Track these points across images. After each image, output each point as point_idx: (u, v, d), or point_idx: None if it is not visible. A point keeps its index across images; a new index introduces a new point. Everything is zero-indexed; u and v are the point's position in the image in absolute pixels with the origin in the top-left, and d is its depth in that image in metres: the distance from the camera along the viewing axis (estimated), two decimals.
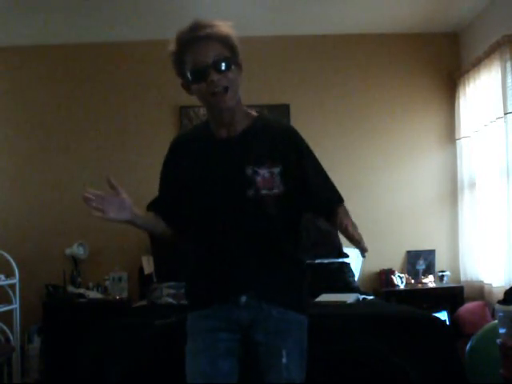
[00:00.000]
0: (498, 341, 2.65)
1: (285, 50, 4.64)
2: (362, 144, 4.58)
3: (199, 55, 1.63)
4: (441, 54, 4.65)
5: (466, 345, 3.15)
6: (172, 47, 1.69)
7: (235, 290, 1.69)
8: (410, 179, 4.58)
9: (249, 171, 1.67)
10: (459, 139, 4.45)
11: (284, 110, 4.54)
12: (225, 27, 1.69)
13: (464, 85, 4.38)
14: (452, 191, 4.53)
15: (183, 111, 4.56)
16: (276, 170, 1.67)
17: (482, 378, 2.88)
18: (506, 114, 3.69)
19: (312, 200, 1.75)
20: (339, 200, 1.79)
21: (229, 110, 1.68)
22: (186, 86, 1.74)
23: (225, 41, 1.67)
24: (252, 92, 4.55)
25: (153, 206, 1.85)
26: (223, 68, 1.64)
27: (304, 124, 4.55)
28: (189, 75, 1.67)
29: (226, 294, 1.69)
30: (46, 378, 3.91)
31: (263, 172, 1.67)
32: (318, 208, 1.79)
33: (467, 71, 4.31)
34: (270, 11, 4.18)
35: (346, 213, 1.72)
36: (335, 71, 4.64)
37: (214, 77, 1.62)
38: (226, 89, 1.64)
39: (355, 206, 4.47)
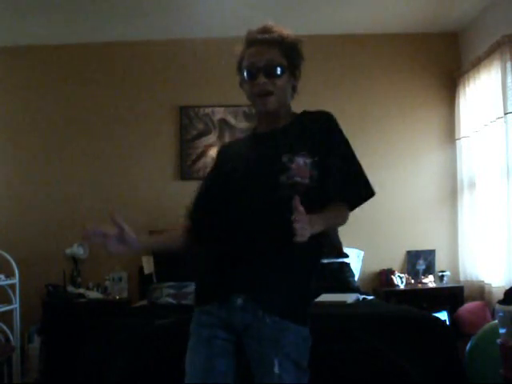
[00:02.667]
0: (498, 341, 2.66)
1: None
2: (362, 144, 4.54)
3: (255, 57, 1.73)
4: (441, 54, 4.65)
5: (466, 345, 3.15)
6: (239, 47, 1.81)
7: (233, 290, 1.65)
8: (410, 179, 4.58)
9: (285, 158, 1.68)
10: (459, 139, 4.45)
11: None
12: (291, 37, 1.77)
13: (464, 85, 4.38)
14: (452, 191, 4.53)
15: (183, 111, 4.56)
16: (308, 161, 1.69)
17: (482, 378, 2.88)
18: (506, 113, 3.69)
19: (325, 190, 1.73)
20: (353, 197, 1.77)
21: (270, 113, 1.77)
22: (242, 84, 1.82)
23: (284, 48, 1.74)
24: None
25: (190, 217, 1.91)
26: (273, 73, 1.72)
27: None
28: (242, 73, 1.77)
29: (224, 293, 1.66)
30: (45, 378, 3.91)
31: (299, 160, 1.68)
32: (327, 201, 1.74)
33: (467, 71, 4.31)
34: (269, 11, 4.18)
35: (329, 213, 1.70)
36: (335, 71, 4.64)
37: (261, 80, 1.71)
38: (270, 93, 1.72)
39: None
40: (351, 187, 1.79)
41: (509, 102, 3.67)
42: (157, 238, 1.86)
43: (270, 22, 1.79)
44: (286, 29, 1.78)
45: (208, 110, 4.55)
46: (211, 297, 1.69)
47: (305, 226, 1.52)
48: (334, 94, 4.61)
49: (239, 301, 1.63)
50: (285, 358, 1.60)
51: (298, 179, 1.66)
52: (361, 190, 1.80)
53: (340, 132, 1.83)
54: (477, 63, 4.13)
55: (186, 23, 4.32)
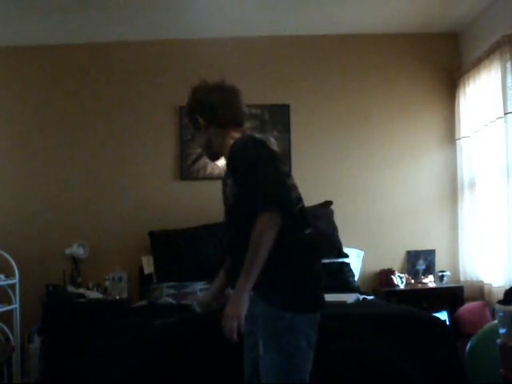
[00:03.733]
0: (498, 341, 2.65)
1: (285, 50, 4.64)
2: (362, 144, 4.58)
3: None
4: (441, 54, 4.65)
5: (466, 345, 3.15)
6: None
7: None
8: (410, 179, 4.58)
9: (225, 182, 2.06)
10: (459, 139, 4.45)
11: (284, 110, 4.55)
12: (190, 96, 2.31)
13: (464, 85, 4.38)
14: (452, 191, 4.53)
15: (183, 111, 4.55)
16: (229, 182, 1.99)
17: (482, 378, 2.89)
18: (506, 113, 3.69)
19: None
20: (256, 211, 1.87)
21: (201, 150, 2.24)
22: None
23: (189, 109, 2.26)
24: (252, 92, 4.55)
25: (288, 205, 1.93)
26: (191, 136, 2.20)
27: (304, 124, 4.56)
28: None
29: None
30: (46, 378, 3.90)
31: (228, 182, 2.01)
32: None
33: (467, 71, 4.31)
34: (270, 11, 4.18)
35: (246, 265, 1.83)
36: (335, 71, 4.64)
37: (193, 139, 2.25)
38: (192, 139, 2.26)
39: (355, 206, 4.53)
40: (254, 197, 1.89)
41: (509, 102, 3.67)
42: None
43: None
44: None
45: None
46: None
47: (227, 328, 1.78)
48: (334, 94, 4.61)
49: (251, 293, 1.91)
50: (268, 342, 1.84)
51: (229, 195, 2.03)
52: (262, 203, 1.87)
53: (236, 158, 1.97)
54: (477, 63, 4.13)
55: (185, 23, 4.31)
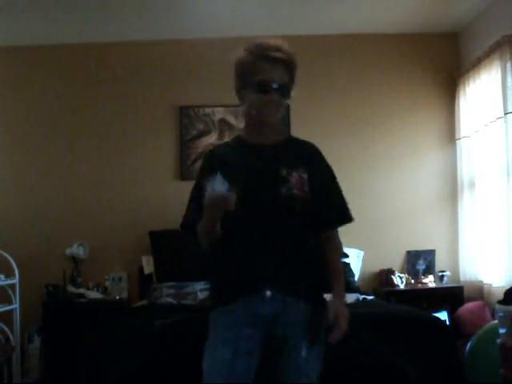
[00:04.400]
0: (498, 341, 2.66)
1: None
2: (362, 144, 4.58)
3: (270, 73, 1.83)
4: (441, 54, 4.64)
5: (466, 345, 3.15)
6: (245, 54, 1.91)
7: (260, 285, 1.75)
8: (410, 179, 4.58)
9: (283, 172, 1.82)
10: (459, 139, 4.45)
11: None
12: (294, 58, 1.91)
13: (464, 85, 4.38)
14: (452, 191, 4.53)
15: (183, 111, 4.55)
16: (305, 176, 1.85)
17: (482, 378, 2.89)
18: (506, 113, 3.69)
19: (323, 210, 1.89)
20: (339, 219, 1.95)
21: (269, 124, 1.89)
22: (241, 90, 1.91)
23: (292, 72, 1.90)
24: None
25: (187, 227, 1.93)
26: (285, 93, 1.87)
27: (304, 124, 4.55)
28: (254, 84, 1.83)
29: (251, 289, 1.76)
30: (46, 378, 3.91)
31: (295, 174, 1.83)
32: (323, 221, 1.91)
33: (467, 71, 4.31)
34: (270, 11, 4.18)
35: (342, 295, 1.88)
36: (335, 71, 4.64)
37: (275, 97, 1.83)
38: (277, 108, 1.87)
39: (355, 206, 4.50)
40: (342, 215, 1.99)
41: (509, 102, 3.67)
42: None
43: (279, 41, 1.89)
44: (287, 47, 1.89)
45: (208, 110, 4.55)
46: (237, 294, 1.76)
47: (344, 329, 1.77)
48: (334, 94, 4.61)
49: (268, 293, 1.75)
50: (310, 341, 1.75)
51: (296, 191, 1.81)
52: (348, 217, 2.01)
53: (329, 164, 2.00)
54: (477, 63, 4.13)
55: (186, 23, 4.31)
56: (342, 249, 1.96)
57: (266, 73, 1.82)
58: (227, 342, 1.72)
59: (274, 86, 1.82)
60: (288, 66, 1.87)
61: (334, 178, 1.97)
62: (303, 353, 1.74)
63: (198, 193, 1.89)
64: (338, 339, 1.74)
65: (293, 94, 1.96)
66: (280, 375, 1.76)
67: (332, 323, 1.75)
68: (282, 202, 1.79)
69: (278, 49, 1.85)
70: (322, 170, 1.94)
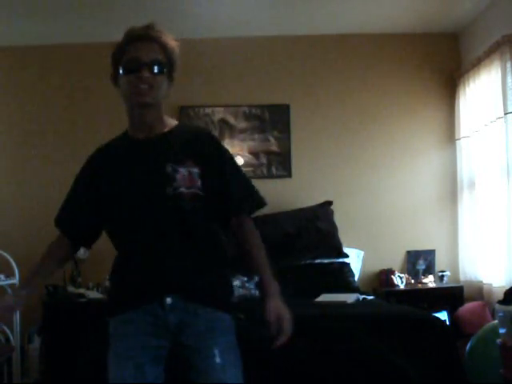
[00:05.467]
0: (498, 341, 2.66)
1: (285, 50, 4.64)
2: (362, 144, 4.58)
3: (139, 51, 1.72)
4: (441, 54, 4.64)
5: (466, 345, 3.15)
6: (120, 41, 1.78)
7: (159, 292, 1.64)
8: (410, 179, 4.58)
9: (169, 169, 1.68)
10: (459, 139, 4.45)
11: (284, 109, 4.55)
12: (172, 40, 1.82)
13: (464, 85, 4.38)
14: (452, 191, 4.53)
15: (183, 111, 4.55)
16: (195, 170, 1.69)
17: (482, 378, 2.89)
18: (506, 114, 3.69)
19: (224, 199, 1.75)
20: (252, 202, 1.80)
21: (146, 106, 1.73)
22: (115, 76, 1.80)
23: (166, 50, 1.78)
24: (252, 92, 4.55)
25: (61, 224, 1.89)
26: (156, 70, 1.72)
27: (304, 124, 4.56)
28: (122, 66, 1.73)
29: (150, 296, 1.65)
30: (46, 377, 3.90)
31: (183, 170, 1.68)
32: (228, 208, 1.77)
33: (467, 71, 4.31)
34: (270, 11, 4.18)
35: (263, 261, 1.73)
36: (335, 71, 4.64)
37: (145, 74, 1.69)
38: (151, 86, 1.71)
39: (355, 206, 4.53)
40: (249, 198, 1.81)
41: (509, 102, 3.67)
42: (43, 274, 1.84)
43: (151, 22, 1.79)
44: (165, 31, 1.82)
45: (208, 110, 4.55)
46: (135, 303, 1.66)
47: (289, 332, 1.63)
48: (333, 94, 4.61)
49: (168, 301, 1.63)
50: (224, 347, 1.64)
51: (183, 189, 1.66)
52: (258, 200, 1.83)
53: (227, 150, 1.85)
54: (477, 63, 4.13)
55: (186, 23, 4.31)
56: (259, 238, 1.76)
57: (133, 51, 1.72)
58: (130, 356, 1.62)
59: (142, 62, 1.69)
60: (161, 44, 1.76)
61: (233, 164, 1.82)
62: (218, 360, 1.60)
63: (72, 191, 1.96)
64: (282, 345, 1.61)
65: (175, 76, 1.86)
66: None
67: (274, 327, 1.61)
68: (168, 203, 1.65)
69: (147, 27, 1.76)
70: (219, 159, 1.76)
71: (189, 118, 4.53)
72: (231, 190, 1.76)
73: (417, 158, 4.60)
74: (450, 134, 4.57)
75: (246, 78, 4.49)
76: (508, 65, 3.68)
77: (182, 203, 1.66)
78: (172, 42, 1.81)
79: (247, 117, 4.53)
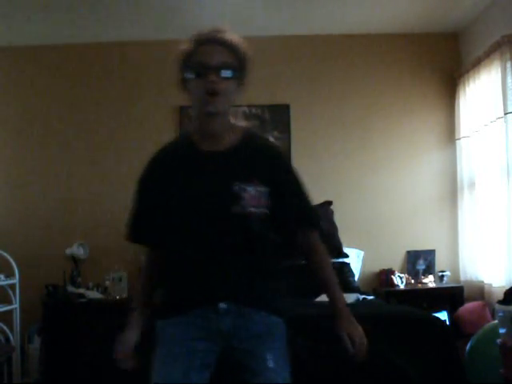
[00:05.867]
0: (498, 341, 2.65)
1: (285, 50, 4.64)
2: (362, 144, 4.58)
3: (208, 55, 1.65)
4: (441, 54, 4.64)
5: (466, 345, 3.15)
6: (185, 45, 1.72)
7: (215, 298, 1.64)
8: (410, 179, 4.58)
9: (236, 187, 1.63)
10: (459, 139, 4.45)
11: (284, 110, 4.55)
12: (243, 44, 1.72)
13: (464, 85, 4.38)
14: (452, 191, 4.53)
15: (183, 111, 4.55)
16: (263, 190, 1.66)
17: (482, 378, 2.88)
18: (506, 114, 3.69)
19: (283, 218, 1.74)
20: (310, 224, 1.78)
21: (215, 115, 1.66)
22: (183, 81, 1.74)
23: (237, 54, 1.69)
24: (252, 92, 4.53)
25: (141, 238, 1.82)
26: (225, 75, 1.64)
27: (304, 124, 4.56)
28: (190, 70, 1.67)
29: (205, 301, 1.65)
30: (45, 377, 3.90)
31: (250, 190, 1.64)
32: (285, 227, 1.77)
33: (467, 71, 4.31)
34: (269, 11, 4.18)
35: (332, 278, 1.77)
36: (335, 71, 4.64)
37: (214, 78, 1.62)
38: (219, 92, 1.63)
39: (355, 206, 4.52)
40: (309, 217, 1.80)
41: (509, 102, 3.66)
42: (149, 301, 1.85)
43: (222, 26, 1.72)
44: (236, 35, 1.72)
45: None
46: (190, 306, 1.65)
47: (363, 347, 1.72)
48: (333, 94, 4.61)
49: (222, 305, 1.63)
50: (276, 352, 1.65)
51: (253, 209, 1.64)
52: (313, 221, 1.81)
53: (294, 169, 1.80)
54: (477, 63, 4.13)
55: (185, 23, 4.31)
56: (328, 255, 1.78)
57: (202, 55, 1.64)
58: (178, 358, 1.61)
59: (209, 66, 1.61)
60: (232, 48, 1.67)
61: (299, 184, 1.78)
62: (270, 364, 1.61)
63: (139, 201, 1.83)
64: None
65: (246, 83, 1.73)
66: None
67: (349, 344, 1.69)
68: (235, 221, 1.63)
69: (218, 31, 1.68)
70: (286, 179, 1.74)
71: (189, 118, 4.53)
72: (296, 209, 1.75)
73: (417, 158, 4.60)
74: (450, 134, 4.57)
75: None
76: (508, 65, 3.67)
77: (250, 223, 1.65)
78: (243, 45, 1.71)
79: (247, 117, 4.53)
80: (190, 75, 1.67)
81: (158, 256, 1.78)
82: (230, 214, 1.62)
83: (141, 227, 1.79)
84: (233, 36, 1.69)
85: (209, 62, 1.63)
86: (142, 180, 1.81)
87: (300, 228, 1.76)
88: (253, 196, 1.64)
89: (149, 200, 1.78)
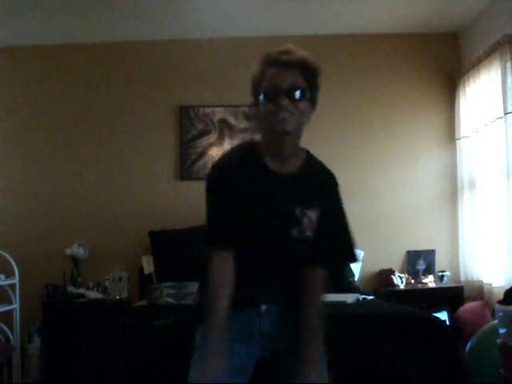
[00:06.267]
0: (498, 341, 2.65)
1: None
2: (362, 144, 4.58)
3: (277, 78, 1.65)
4: (441, 54, 4.65)
5: (466, 345, 3.15)
6: (257, 66, 1.72)
7: (257, 301, 1.72)
8: (409, 179, 4.58)
9: (297, 211, 1.70)
10: (459, 139, 4.45)
11: None
12: (313, 61, 1.74)
13: (464, 85, 4.38)
14: (452, 191, 4.53)
15: (183, 111, 4.55)
16: (317, 214, 1.73)
17: (482, 378, 2.88)
18: (506, 113, 3.69)
19: (314, 249, 1.76)
20: (322, 262, 1.77)
21: (288, 135, 1.66)
22: (255, 104, 1.73)
23: (307, 72, 1.70)
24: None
25: (227, 243, 1.72)
26: (295, 97, 1.65)
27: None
28: (261, 93, 1.67)
29: (247, 304, 1.72)
30: (46, 377, 3.91)
31: (310, 214, 1.71)
32: (314, 258, 1.77)
33: (467, 71, 4.31)
34: (269, 11, 4.18)
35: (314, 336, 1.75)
36: (335, 71, 4.64)
37: (285, 102, 1.63)
38: (291, 114, 1.64)
39: (355, 206, 4.51)
40: (336, 254, 1.83)
41: (509, 102, 3.67)
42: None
43: (291, 45, 1.75)
44: (306, 53, 1.75)
45: (208, 110, 4.55)
46: (233, 309, 1.66)
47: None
48: (333, 94, 4.61)
49: (263, 307, 1.72)
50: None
51: (309, 234, 1.71)
52: (345, 256, 1.88)
53: (340, 199, 1.84)
54: (477, 63, 4.13)
55: (186, 23, 4.31)
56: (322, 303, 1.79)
57: (271, 78, 1.65)
58: (217, 362, 1.61)
59: (281, 89, 1.62)
60: (303, 68, 1.69)
61: (340, 214, 1.83)
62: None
63: (219, 209, 1.71)
64: None
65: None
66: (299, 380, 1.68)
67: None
68: (291, 244, 1.70)
69: (287, 52, 1.70)
70: (334, 208, 1.79)
71: (189, 118, 4.53)
72: (324, 241, 1.77)
73: (417, 158, 4.60)
74: (450, 134, 4.57)
75: (246, 78, 4.49)
76: (508, 65, 3.67)
77: (303, 246, 1.71)
78: (314, 64, 1.74)
79: (247, 117, 4.52)
80: (263, 98, 1.67)
81: (230, 260, 1.71)
82: (288, 235, 1.69)
83: (227, 232, 1.71)
84: (303, 54, 1.72)
85: (280, 84, 1.64)
86: (219, 186, 1.73)
87: (312, 264, 1.76)
88: (311, 221, 1.71)
89: (228, 206, 1.71)
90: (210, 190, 1.73)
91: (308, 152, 1.82)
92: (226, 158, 1.78)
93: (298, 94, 1.65)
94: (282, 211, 1.70)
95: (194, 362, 1.69)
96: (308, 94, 1.69)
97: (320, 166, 1.82)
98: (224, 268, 1.67)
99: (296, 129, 1.67)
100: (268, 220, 1.69)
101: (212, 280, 1.66)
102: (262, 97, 1.66)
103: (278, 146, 1.70)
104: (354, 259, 1.88)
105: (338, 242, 1.82)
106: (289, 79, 1.65)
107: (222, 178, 1.72)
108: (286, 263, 1.74)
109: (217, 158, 1.84)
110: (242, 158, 1.75)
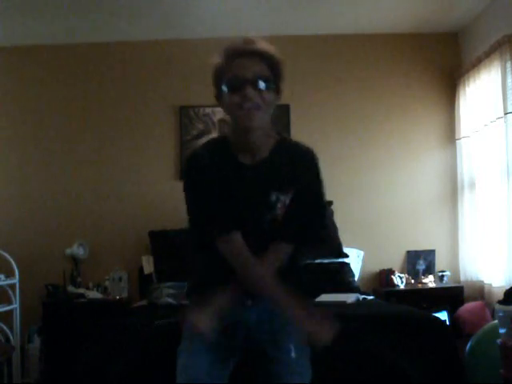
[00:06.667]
0: (498, 341, 2.65)
1: (285, 50, 4.62)
2: (362, 144, 4.58)
3: (241, 68, 1.63)
4: (441, 54, 4.65)
5: (466, 345, 3.15)
6: (217, 58, 1.70)
7: (243, 293, 1.71)
8: (409, 179, 4.58)
9: (273, 197, 1.70)
10: (459, 139, 4.45)
11: (284, 110, 4.54)
12: (275, 51, 1.71)
13: (464, 85, 4.38)
14: (452, 191, 4.53)
15: (183, 111, 4.56)
16: (290, 196, 1.72)
17: (482, 378, 2.88)
18: (506, 113, 3.69)
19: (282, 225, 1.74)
20: (284, 237, 1.74)
21: (254, 130, 1.66)
22: (218, 97, 1.74)
23: (270, 62, 1.68)
24: None
25: (231, 226, 1.73)
26: (261, 86, 1.63)
27: (304, 124, 4.56)
28: (224, 85, 1.66)
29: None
30: (46, 377, 3.91)
31: (283, 198, 1.71)
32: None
33: (467, 71, 4.31)
34: (269, 11, 4.18)
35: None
36: (335, 71, 4.64)
37: (250, 92, 1.61)
38: (257, 107, 1.62)
39: (355, 206, 4.52)
40: (303, 232, 1.78)
41: (509, 102, 3.67)
42: None
43: (251, 35, 1.71)
44: (267, 42, 1.71)
45: (208, 110, 4.55)
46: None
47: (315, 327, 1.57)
48: (333, 94, 4.61)
49: (249, 301, 1.72)
50: (299, 344, 1.70)
51: (279, 214, 1.72)
52: (311, 237, 1.81)
53: (319, 175, 1.83)
54: (477, 63, 4.13)
55: (186, 23, 4.31)
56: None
57: (236, 68, 1.63)
58: (204, 350, 1.66)
59: (245, 79, 1.60)
60: (266, 58, 1.66)
61: (316, 193, 1.81)
62: (293, 354, 1.69)
63: (206, 198, 1.74)
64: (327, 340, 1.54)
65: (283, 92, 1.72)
66: (272, 380, 1.69)
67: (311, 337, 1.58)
68: (265, 226, 1.71)
69: (250, 42, 1.67)
70: (308, 186, 1.77)
71: (189, 118, 4.54)
72: (290, 218, 1.74)
73: (417, 158, 4.60)
74: (450, 133, 4.57)
75: None
76: (508, 65, 3.67)
77: (275, 226, 1.71)
78: (275, 53, 1.71)
79: None
80: (226, 89, 1.65)
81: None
82: (262, 220, 1.71)
83: (226, 216, 1.72)
84: (265, 45, 1.70)
85: (244, 74, 1.62)
86: (196, 175, 1.75)
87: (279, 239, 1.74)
88: (283, 204, 1.71)
89: (207, 194, 1.74)
90: (186, 184, 1.77)
91: (281, 135, 1.79)
92: (196, 152, 1.80)
93: (262, 83, 1.63)
94: (255, 200, 1.70)
95: (180, 352, 1.71)
96: (273, 84, 1.67)
97: (295, 147, 1.79)
98: (244, 244, 1.69)
99: (261, 123, 1.66)
100: (240, 209, 1.70)
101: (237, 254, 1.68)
102: (225, 88, 1.65)
103: (245, 141, 1.70)
104: (318, 239, 1.83)
105: (304, 221, 1.76)
106: (253, 69, 1.63)
107: (194, 170, 1.75)
108: (263, 247, 1.71)
109: None
110: (212, 151, 1.76)
